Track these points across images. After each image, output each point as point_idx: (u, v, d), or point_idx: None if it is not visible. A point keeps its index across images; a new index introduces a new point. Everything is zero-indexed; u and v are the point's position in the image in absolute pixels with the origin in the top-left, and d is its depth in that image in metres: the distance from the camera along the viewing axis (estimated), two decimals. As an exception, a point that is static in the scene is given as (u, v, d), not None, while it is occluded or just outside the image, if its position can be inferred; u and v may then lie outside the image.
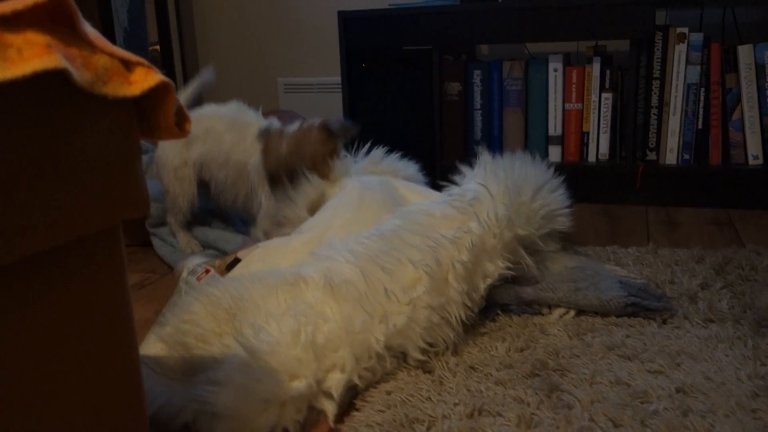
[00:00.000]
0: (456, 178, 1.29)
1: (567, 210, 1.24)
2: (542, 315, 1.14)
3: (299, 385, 0.83)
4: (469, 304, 1.04)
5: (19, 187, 0.53)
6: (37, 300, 0.60)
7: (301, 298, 0.96)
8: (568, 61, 1.98)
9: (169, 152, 1.58)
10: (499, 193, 1.16)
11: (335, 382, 0.87)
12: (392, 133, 2.13)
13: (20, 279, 0.57)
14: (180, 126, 0.67)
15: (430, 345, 0.99)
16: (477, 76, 2.02)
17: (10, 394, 0.58)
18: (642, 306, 1.10)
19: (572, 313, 1.13)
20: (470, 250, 1.06)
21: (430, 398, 0.90)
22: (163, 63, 2.64)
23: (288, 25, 2.68)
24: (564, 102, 1.96)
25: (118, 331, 0.69)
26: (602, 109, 1.92)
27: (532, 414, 0.84)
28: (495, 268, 1.08)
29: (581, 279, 1.15)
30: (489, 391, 0.90)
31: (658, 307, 1.10)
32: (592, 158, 1.96)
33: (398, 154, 1.57)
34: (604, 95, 1.91)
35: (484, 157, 1.26)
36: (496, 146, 2.05)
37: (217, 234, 1.61)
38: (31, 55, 0.53)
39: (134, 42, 2.52)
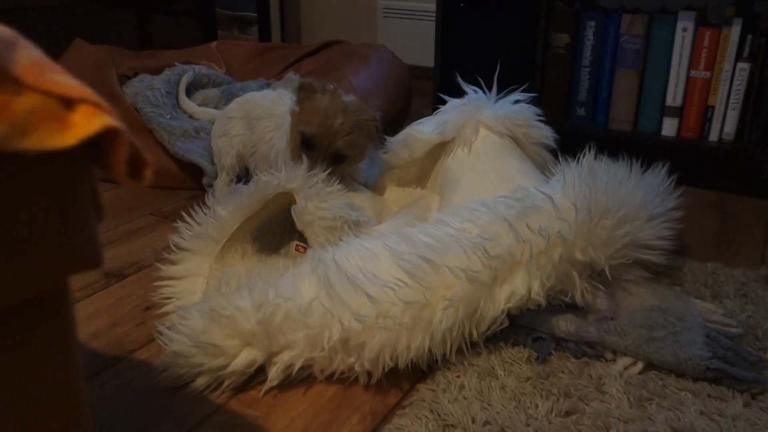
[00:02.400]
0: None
1: (665, 243, 1.05)
2: (605, 360, 0.97)
3: None
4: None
5: None
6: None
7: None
8: (702, 19, 1.66)
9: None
10: (567, 208, 0.99)
11: None
12: (484, 82, 1.91)
13: None
14: (134, 175, 0.54)
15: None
16: (590, 29, 1.75)
17: None
18: (727, 373, 0.91)
19: (640, 365, 0.95)
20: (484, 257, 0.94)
21: (443, 468, 0.78)
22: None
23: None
24: (689, 68, 1.66)
25: (64, 391, 0.61)
26: (735, 81, 1.61)
27: None
28: (525, 286, 0.95)
29: (658, 326, 0.96)
30: (511, 474, 0.77)
31: (747, 377, 0.91)
32: (713, 137, 1.68)
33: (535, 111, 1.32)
34: (740, 65, 1.60)
35: (577, 167, 1.09)
36: (602, 110, 1.79)
37: None
38: None
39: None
